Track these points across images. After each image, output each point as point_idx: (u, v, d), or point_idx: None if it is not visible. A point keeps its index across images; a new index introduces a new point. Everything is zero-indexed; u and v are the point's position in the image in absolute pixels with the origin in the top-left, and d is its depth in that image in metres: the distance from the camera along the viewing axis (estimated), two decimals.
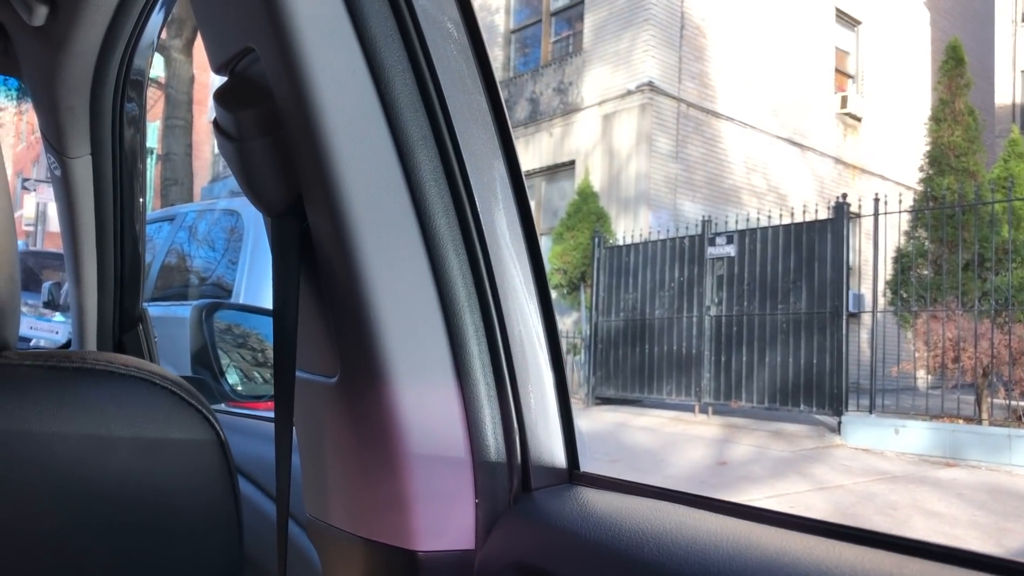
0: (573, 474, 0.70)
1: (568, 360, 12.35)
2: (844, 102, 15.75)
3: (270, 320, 1.76)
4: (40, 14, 1.15)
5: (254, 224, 4.78)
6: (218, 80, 0.71)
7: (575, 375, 12.15)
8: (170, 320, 4.37)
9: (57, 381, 0.54)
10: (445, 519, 0.63)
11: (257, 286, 4.61)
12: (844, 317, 8.86)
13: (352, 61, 0.62)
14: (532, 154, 14.31)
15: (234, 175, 0.67)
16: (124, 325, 1.55)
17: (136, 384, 0.56)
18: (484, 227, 0.66)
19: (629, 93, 13.01)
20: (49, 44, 1.24)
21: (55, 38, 1.22)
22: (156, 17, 1.26)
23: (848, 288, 9.12)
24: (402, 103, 0.63)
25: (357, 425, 0.65)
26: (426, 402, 0.63)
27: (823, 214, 9.37)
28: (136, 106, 1.42)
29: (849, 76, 16.40)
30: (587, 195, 12.69)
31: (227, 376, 1.70)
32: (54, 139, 1.38)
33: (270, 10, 0.60)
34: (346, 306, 0.63)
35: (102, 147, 1.40)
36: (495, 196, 0.68)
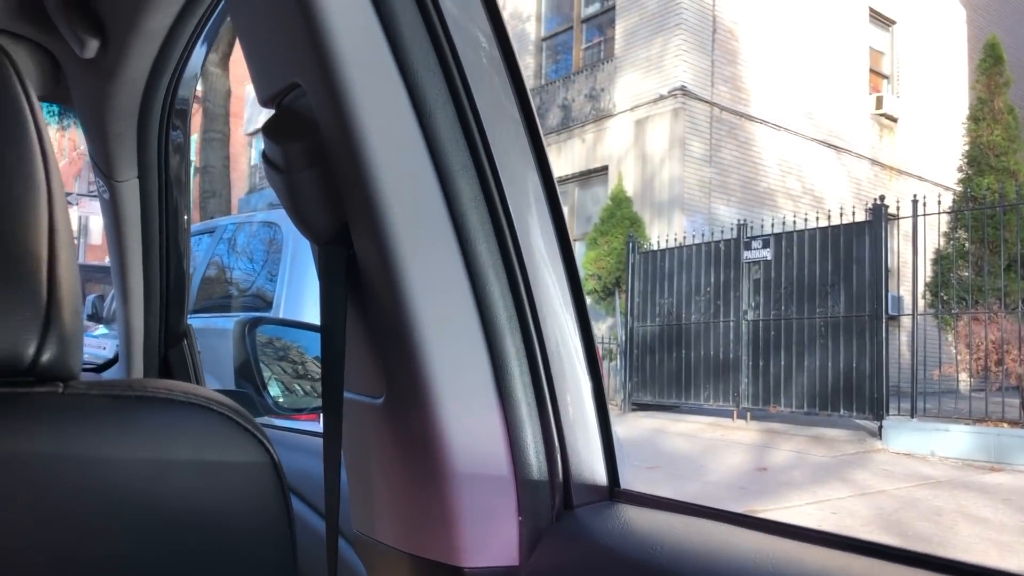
0: (614, 491, 0.71)
1: (604, 366, 12.31)
2: (879, 103, 15.55)
3: (310, 333, 1.79)
4: (91, 47, 1.20)
5: (293, 235, 4.84)
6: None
7: (611, 381, 12.11)
8: (211, 331, 4.43)
9: (121, 409, 0.57)
10: (489, 536, 0.65)
11: (297, 297, 4.66)
12: (883, 320, 8.75)
13: (395, 95, 0.64)
14: (565, 160, 14.31)
15: (283, 205, 0.69)
16: (169, 341, 1.60)
17: (193, 411, 0.58)
18: (523, 249, 0.68)
19: (661, 98, 12.97)
20: (99, 75, 1.29)
21: (105, 69, 1.27)
22: (200, 49, 1.31)
23: (887, 291, 8.99)
24: (443, 134, 0.65)
25: (403, 444, 0.67)
26: (469, 422, 0.65)
27: (860, 216, 9.26)
28: (181, 133, 1.46)
29: (884, 76, 16.20)
30: (620, 200, 12.66)
31: (269, 389, 1.73)
32: (103, 164, 1.43)
33: (316, 48, 0.62)
34: (392, 329, 0.65)
35: (148, 171, 1.45)
36: (532, 215, 0.70)
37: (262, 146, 0.69)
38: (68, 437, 0.54)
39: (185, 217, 1.57)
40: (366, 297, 0.68)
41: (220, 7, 1.21)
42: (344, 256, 0.68)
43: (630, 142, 13.46)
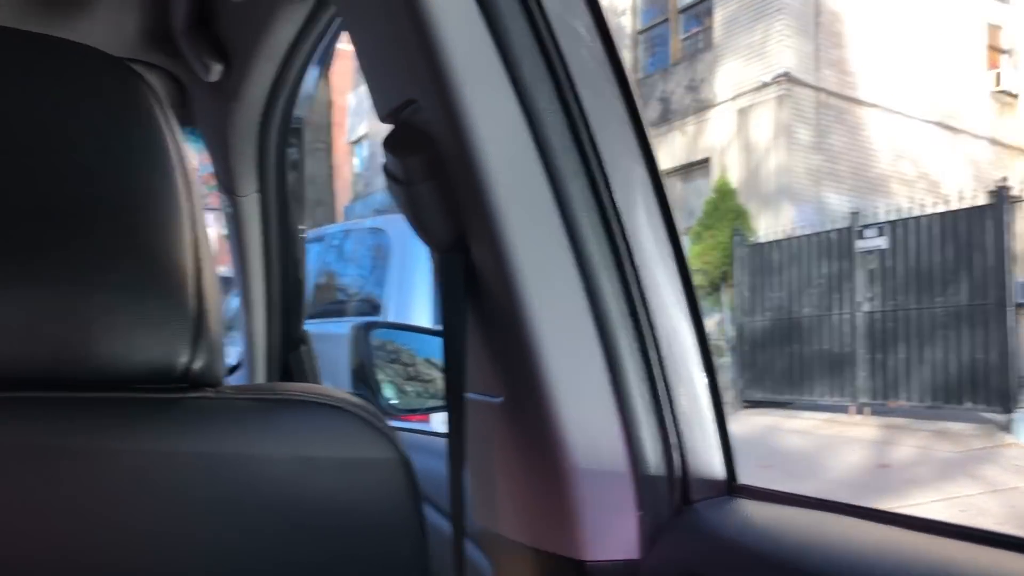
0: (732, 486, 0.71)
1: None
2: (998, 79, 14.79)
3: (420, 336, 1.84)
4: (216, 71, 1.29)
5: (400, 240, 4.92)
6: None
7: (721, 378, 11.90)
8: (322, 336, 4.54)
9: (265, 411, 0.61)
10: (610, 530, 0.66)
11: (406, 301, 4.74)
12: (1010, 307, 8.31)
13: (507, 106, 0.66)
14: (665, 154, 14.13)
15: (403, 215, 0.73)
16: (289, 346, 1.67)
17: (329, 411, 0.62)
18: (633, 248, 0.69)
19: (765, 85, 12.67)
20: (222, 97, 1.37)
21: (228, 91, 1.35)
22: (313, 71, 1.38)
23: (1012, 277, 8.54)
24: (554, 141, 0.67)
25: (523, 441, 0.69)
26: (587, 418, 0.66)
27: (981, 200, 8.83)
28: (296, 149, 1.54)
29: (1003, 51, 15.38)
30: (724, 192, 12.44)
31: (383, 391, 1.78)
32: (226, 180, 1.52)
33: (430, 65, 0.65)
34: (509, 332, 0.67)
35: (268, 185, 1.53)
36: (641, 215, 0.71)
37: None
38: (221, 438, 0.58)
39: (301, 227, 1.64)
40: (484, 301, 0.70)
41: (332, 30, 1.28)
42: (463, 263, 0.71)
43: (733, 132, 13.20)
